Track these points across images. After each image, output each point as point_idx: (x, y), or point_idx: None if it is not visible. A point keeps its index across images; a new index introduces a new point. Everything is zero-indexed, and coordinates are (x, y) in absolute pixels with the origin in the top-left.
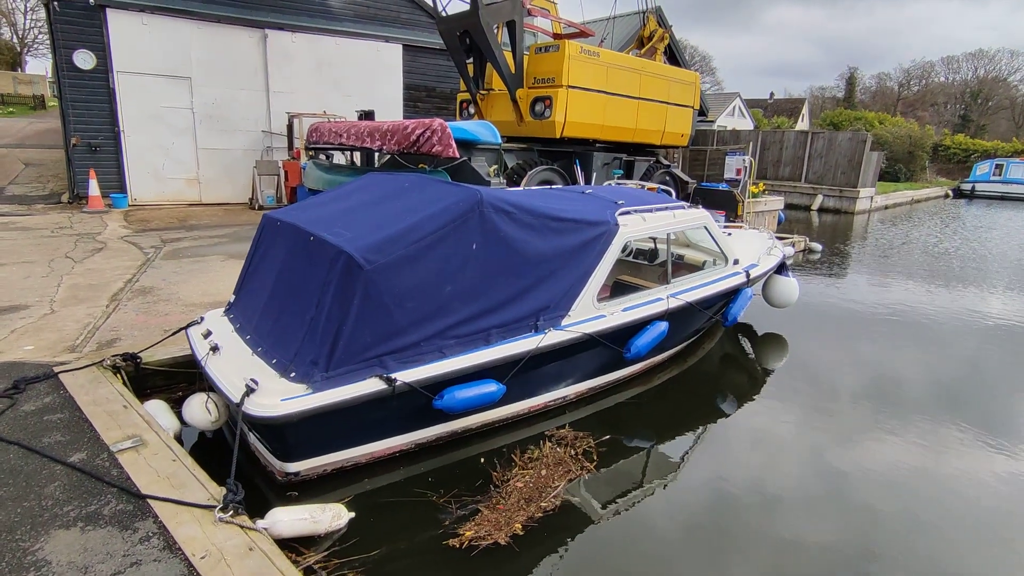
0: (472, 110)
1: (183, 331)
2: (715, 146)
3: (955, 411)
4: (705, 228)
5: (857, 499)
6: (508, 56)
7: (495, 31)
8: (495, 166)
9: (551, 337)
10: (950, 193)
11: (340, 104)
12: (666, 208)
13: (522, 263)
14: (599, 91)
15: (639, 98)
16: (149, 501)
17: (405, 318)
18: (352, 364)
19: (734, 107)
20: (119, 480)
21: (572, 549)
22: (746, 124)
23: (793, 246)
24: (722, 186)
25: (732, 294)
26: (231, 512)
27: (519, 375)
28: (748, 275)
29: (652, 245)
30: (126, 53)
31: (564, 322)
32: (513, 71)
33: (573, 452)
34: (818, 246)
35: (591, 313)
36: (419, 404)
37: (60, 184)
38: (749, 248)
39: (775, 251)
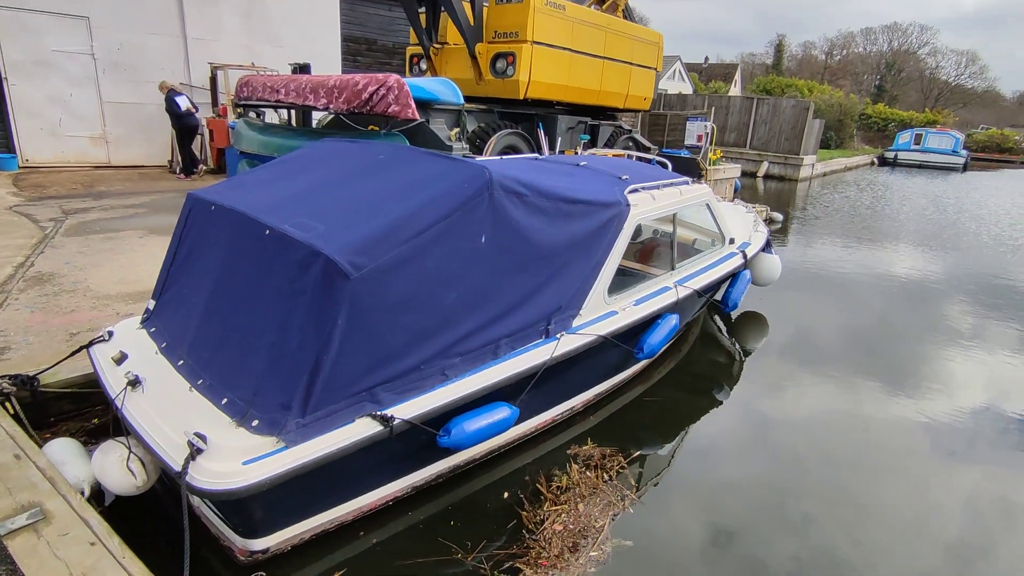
0: (424, 66)
1: (85, 349)
2: (672, 110)
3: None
4: (707, 205)
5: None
6: (466, 6)
7: None
8: (456, 129)
9: (565, 343)
10: (875, 161)
11: (271, 56)
12: (672, 184)
13: (534, 256)
14: (564, 48)
15: (604, 57)
16: None
17: (400, 337)
18: (335, 403)
19: (675, 71)
20: None
21: None
22: (686, 88)
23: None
24: (684, 152)
25: (731, 277)
26: None
27: (530, 391)
28: (745, 255)
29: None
30: None
31: (575, 323)
32: (472, 23)
33: (607, 476)
34: (779, 216)
35: (602, 310)
36: (420, 442)
37: None
38: (739, 225)
39: (760, 227)
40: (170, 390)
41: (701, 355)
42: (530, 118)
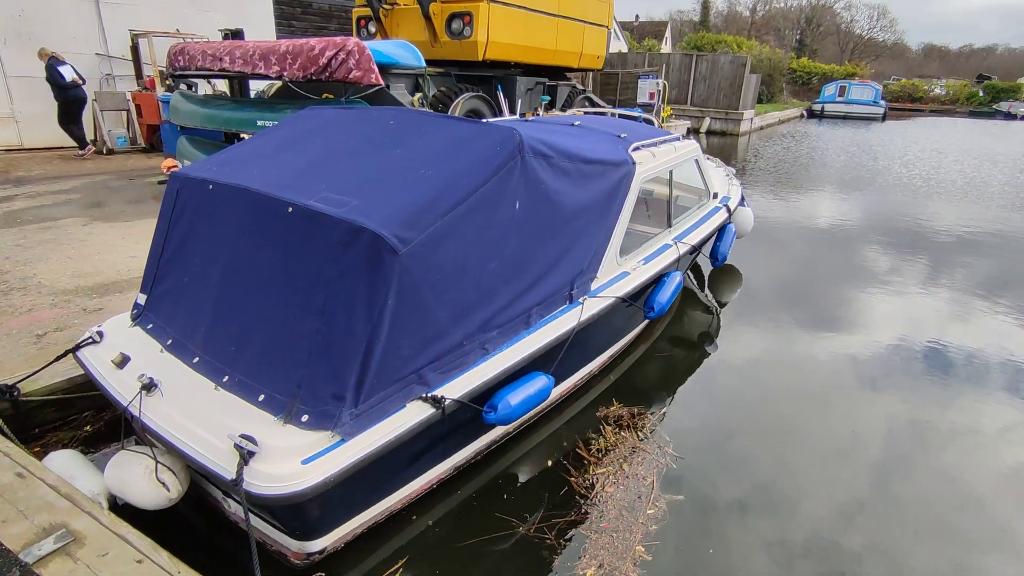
0: (373, 28)
1: (71, 354)
2: (614, 69)
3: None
4: (695, 161)
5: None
6: None
7: None
8: (419, 94)
9: (588, 307)
10: (804, 113)
11: (197, 21)
12: (666, 141)
13: (560, 221)
14: (520, 6)
15: (558, 16)
16: None
17: (446, 313)
18: (386, 389)
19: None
20: None
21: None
22: (622, 46)
23: None
24: (638, 111)
25: (718, 231)
26: None
27: (560, 357)
28: (729, 209)
29: None
30: None
31: (593, 287)
32: None
33: (641, 435)
34: (732, 170)
35: (615, 271)
36: (464, 420)
37: None
38: (716, 180)
39: (735, 181)
40: (192, 391)
41: (692, 309)
42: (488, 80)
